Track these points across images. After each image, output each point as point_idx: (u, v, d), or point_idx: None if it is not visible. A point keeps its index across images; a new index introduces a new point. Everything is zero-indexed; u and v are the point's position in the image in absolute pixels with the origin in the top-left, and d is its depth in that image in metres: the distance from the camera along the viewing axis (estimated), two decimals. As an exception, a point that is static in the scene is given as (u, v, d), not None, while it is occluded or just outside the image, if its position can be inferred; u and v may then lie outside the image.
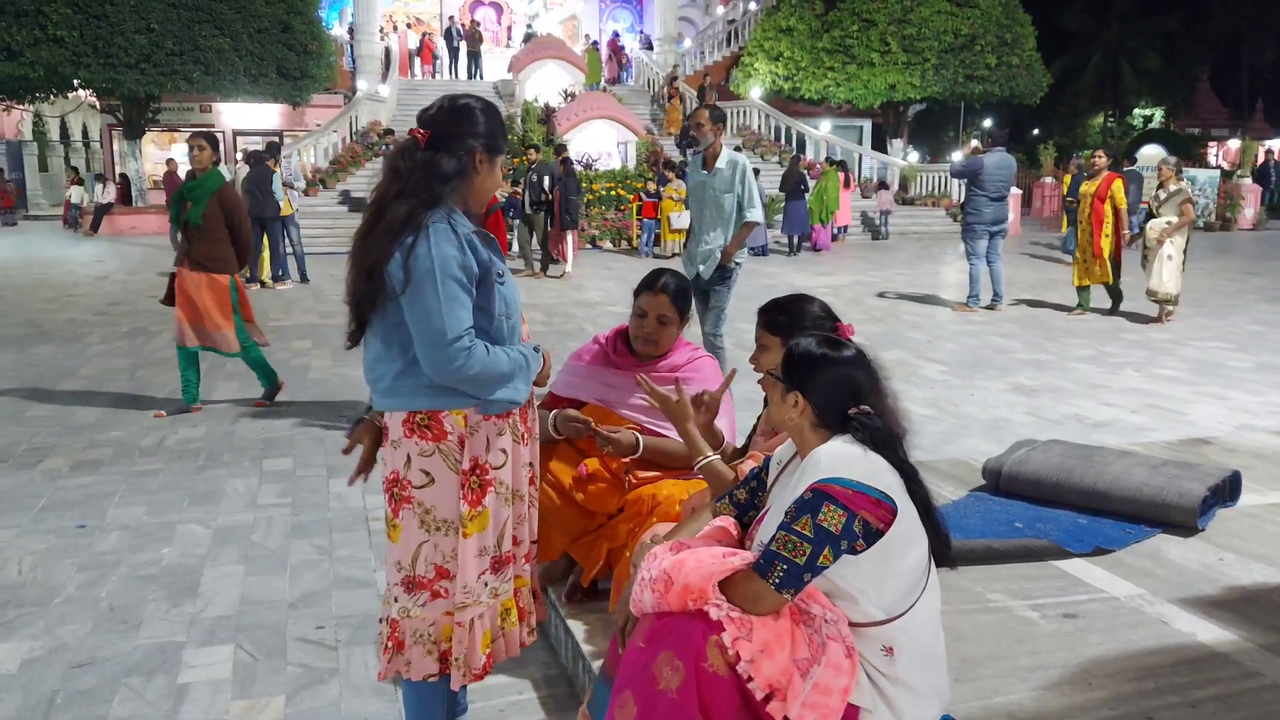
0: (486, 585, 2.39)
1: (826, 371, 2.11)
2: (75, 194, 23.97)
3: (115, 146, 27.51)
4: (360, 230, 2.35)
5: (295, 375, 7.58)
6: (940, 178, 23.30)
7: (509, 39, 33.26)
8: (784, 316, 2.72)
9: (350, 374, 7.61)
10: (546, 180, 14.51)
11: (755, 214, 6.16)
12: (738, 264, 6.28)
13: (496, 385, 2.31)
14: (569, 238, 14.68)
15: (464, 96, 2.43)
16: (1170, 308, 10.01)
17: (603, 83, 27.81)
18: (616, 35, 31.85)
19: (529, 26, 32.21)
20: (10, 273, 14.86)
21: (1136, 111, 43.43)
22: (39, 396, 6.87)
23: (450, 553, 2.35)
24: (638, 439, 3.06)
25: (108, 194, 22.59)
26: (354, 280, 2.31)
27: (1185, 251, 10.04)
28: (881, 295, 12.22)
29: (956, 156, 28.70)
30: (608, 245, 18.58)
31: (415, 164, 2.30)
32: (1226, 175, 24.71)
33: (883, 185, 21.82)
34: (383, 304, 2.27)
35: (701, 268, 6.23)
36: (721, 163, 6.15)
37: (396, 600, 2.39)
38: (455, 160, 2.31)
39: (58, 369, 7.78)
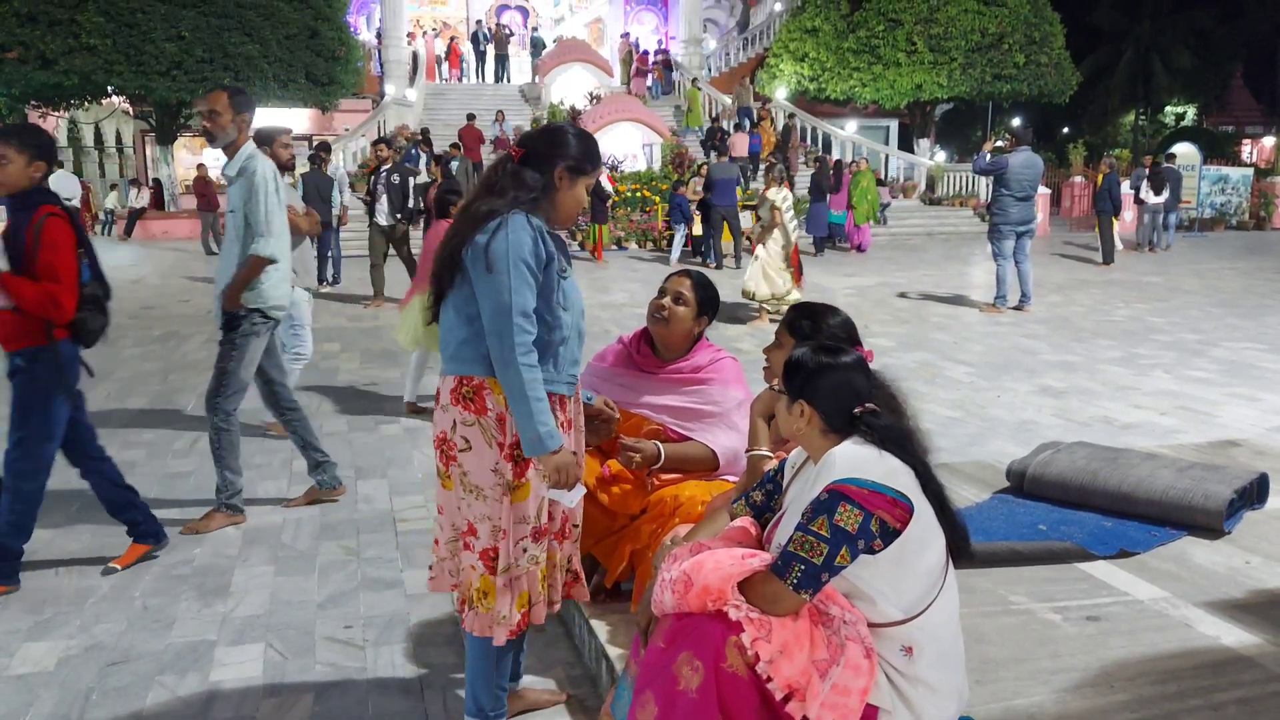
0: (526, 551, 2.56)
1: (827, 377, 2.15)
2: (110, 199, 24.35)
3: (148, 152, 27.89)
4: (450, 230, 2.59)
5: (324, 377, 7.67)
6: (967, 178, 23.14)
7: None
8: (808, 322, 2.73)
9: (377, 375, 7.68)
10: (407, 182, 11.63)
11: (265, 245, 4.36)
12: (250, 311, 4.47)
13: (524, 392, 2.41)
14: None
15: (561, 124, 2.69)
16: (769, 307, 10.34)
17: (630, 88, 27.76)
18: (662, 51, 30.78)
19: (534, 30, 32.25)
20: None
21: (1168, 109, 42.88)
22: (74, 399, 6.99)
23: (479, 515, 2.53)
24: (659, 449, 3.09)
25: (141, 199, 22.90)
26: (438, 263, 2.56)
27: (784, 255, 10.35)
28: (903, 295, 12.17)
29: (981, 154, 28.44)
30: (633, 247, 18.61)
31: (505, 174, 2.55)
32: (1261, 173, 24.39)
33: (880, 182, 21.62)
34: (460, 281, 2.51)
35: (214, 308, 4.61)
36: (232, 169, 4.48)
37: (437, 518, 2.67)
38: (538, 174, 2.54)
39: (93, 371, 7.89)
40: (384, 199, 11.41)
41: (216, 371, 4.50)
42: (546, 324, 2.50)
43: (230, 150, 4.50)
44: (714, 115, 25.21)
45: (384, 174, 11.54)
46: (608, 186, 16.92)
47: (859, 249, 18.22)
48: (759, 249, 10.40)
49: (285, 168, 6.07)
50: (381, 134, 22.55)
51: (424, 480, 5.13)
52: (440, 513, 2.66)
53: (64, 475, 5.09)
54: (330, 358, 8.49)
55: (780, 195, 10.31)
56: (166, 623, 3.54)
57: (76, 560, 4.11)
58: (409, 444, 5.82)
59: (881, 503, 1.98)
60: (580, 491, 2.58)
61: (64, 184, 19.62)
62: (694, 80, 27.02)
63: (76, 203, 20.46)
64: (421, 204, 11.43)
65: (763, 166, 18.35)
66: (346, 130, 23.88)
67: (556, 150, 2.56)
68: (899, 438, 2.09)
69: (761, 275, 10.31)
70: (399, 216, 11.47)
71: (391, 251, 11.74)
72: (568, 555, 2.75)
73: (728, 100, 25.86)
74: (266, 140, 5.97)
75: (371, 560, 4.11)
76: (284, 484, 5.12)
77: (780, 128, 23.70)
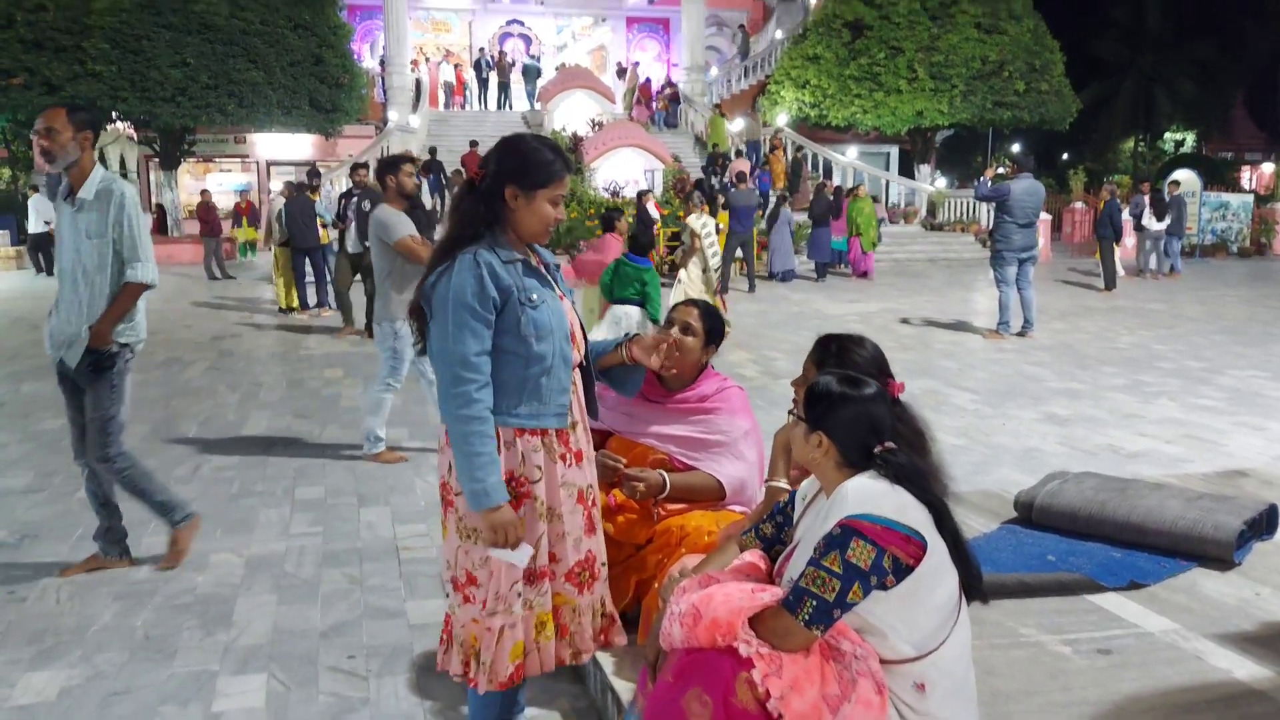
0: (519, 596, 2.46)
1: (846, 409, 2.12)
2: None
3: (152, 177, 28.03)
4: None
5: (326, 404, 7.66)
6: (969, 203, 23.23)
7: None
8: (834, 359, 2.68)
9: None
10: (370, 207, 10.40)
11: (144, 271, 4.09)
12: (122, 347, 4.16)
13: (458, 445, 2.37)
14: None
15: (510, 138, 2.57)
16: None
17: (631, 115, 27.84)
18: (670, 84, 30.62)
19: (531, 57, 32.41)
20: (49, 304, 15.11)
21: (1167, 135, 43.06)
22: (77, 425, 6.98)
23: (479, 560, 2.45)
24: (664, 478, 3.07)
25: (144, 224, 22.97)
26: (412, 310, 2.56)
27: (705, 280, 10.49)
28: (906, 321, 12.17)
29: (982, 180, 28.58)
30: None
31: (456, 206, 2.54)
32: (1261, 200, 24.45)
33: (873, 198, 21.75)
34: (428, 329, 2.49)
35: (66, 353, 4.13)
36: (88, 192, 4.04)
37: (449, 596, 2.56)
38: (484, 203, 2.47)
39: (95, 398, 7.89)
40: (353, 226, 10.93)
41: (98, 421, 4.10)
42: (521, 359, 2.42)
43: (75, 173, 4.05)
44: (713, 142, 25.31)
45: (354, 200, 11.03)
46: (653, 213, 16.97)
47: (864, 275, 18.26)
48: (680, 273, 10.57)
49: (408, 196, 6.03)
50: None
51: (427, 508, 5.11)
52: (450, 583, 2.56)
53: (64, 503, 5.07)
54: (333, 384, 8.48)
55: (700, 221, 10.45)
56: (169, 652, 3.51)
57: (78, 588, 4.09)
58: (411, 471, 5.80)
59: (894, 539, 1.96)
60: (527, 552, 2.42)
61: (43, 208, 19.91)
62: (717, 106, 27.17)
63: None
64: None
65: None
66: (350, 156, 23.99)
67: (502, 169, 2.47)
68: (916, 476, 2.07)
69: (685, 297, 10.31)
70: (367, 245, 11.06)
71: (358, 279, 11.12)
72: (599, 597, 2.66)
73: (732, 128, 25.97)
74: (391, 169, 5.99)
75: (374, 589, 4.09)
76: (286, 511, 5.09)
77: (790, 159, 23.81)
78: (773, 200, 18.53)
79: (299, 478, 5.70)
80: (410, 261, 5.81)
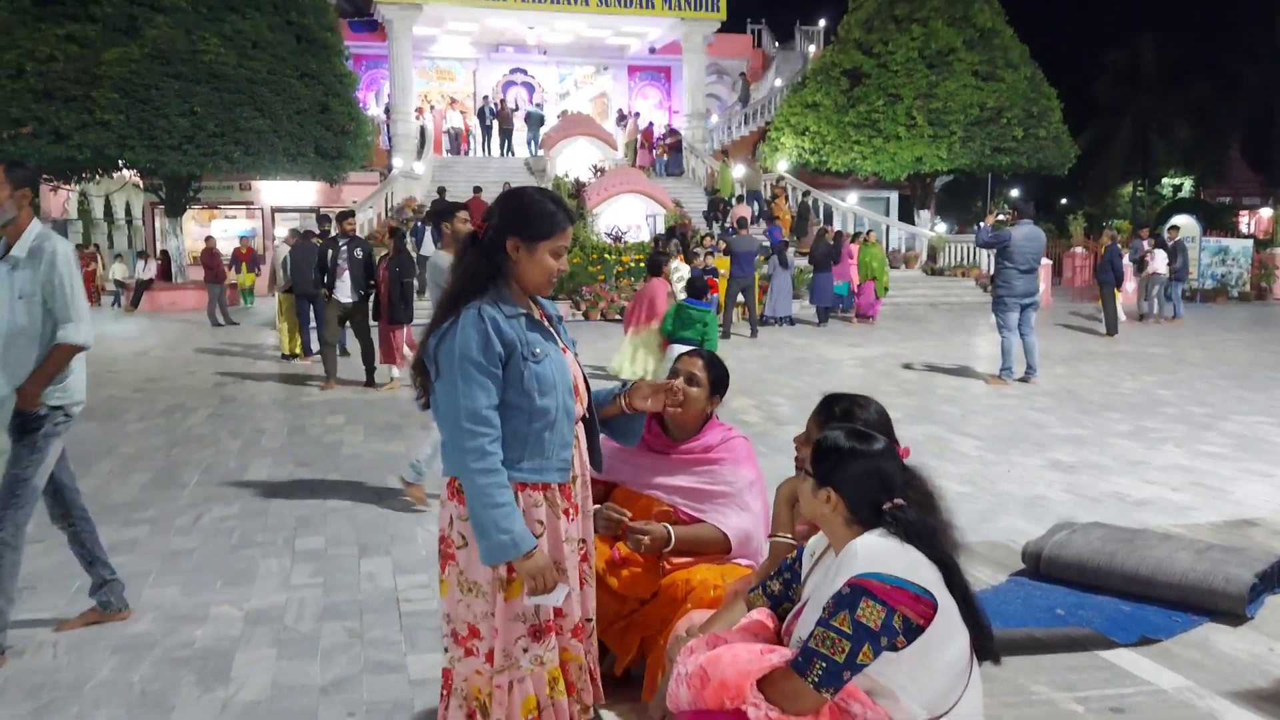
0: (526, 651, 2.45)
1: (855, 464, 2.10)
2: (118, 270, 24.59)
3: (157, 224, 28.23)
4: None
5: (328, 452, 7.62)
6: (968, 248, 23.33)
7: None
8: (839, 421, 2.64)
9: (382, 449, 7.64)
10: (371, 257, 10.86)
11: (75, 331, 3.92)
12: (52, 409, 4.00)
13: (479, 499, 2.36)
14: (404, 335, 10.57)
15: (512, 191, 2.60)
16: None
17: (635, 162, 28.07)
18: (674, 132, 30.78)
19: (536, 105, 32.78)
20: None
21: (1165, 181, 43.36)
22: (77, 474, 6.92)
23: (481, 614, 2.45)
24: (669, 531, 3.04)
25: (149, 270, 23.11)
26: (414, 368, 2.57)
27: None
28: (908, 366, 12.16)
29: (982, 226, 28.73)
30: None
31: (460, 261, 2.54)
32: (1260, 245, 24.54)
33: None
34: (432, 384, 2.48)
35: None
36: (21, 250, 3.90)
37: (447, 650, 2.54)
38: (485, 258, 2.49)
39: (97, 446, 7.87)
40: (345, 275, 10.66)
41: (10, 479, 3.90)
42: (524, 413, 2.43)
43: (13, 230, 3.93)
44: (715, 188, 25.51)
45: (344, 248, 10.74)
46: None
47: (866, 319, 18.30)
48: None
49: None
50: (389, 206, 22.89)
51: (428, 558, 5.06)
52: (441, 615, 2.55)
53: (63, 554, 5.03)
54: (334, 431, 8.46)
55: (670, 265, 10.42)
56: (166, 709, 3.46)
57: (76, 642, 4.04)
58: (413, 520, 5.76)
59: (904, 599, 1.93)
60: (564, 590, 2.44)
61: None
62: (723, 153, 27.40)
63: None
64: (374, 280, 10.68)
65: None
66: (354, 202, 24.16)
67: (504, 222, 2.49)
68: (926, 534, 2.05)
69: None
70: (362, 294, 10.76)
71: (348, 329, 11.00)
72: (584, 653, 2.65)
73: (735, 174, 26.18)
74: (445, 216, 6.09)
75: (375, 642, 4.04)
76: (287, 562, 5.05)
77: (796, 206, 23.97)
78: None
79: (300, 527, 5.66)
80: None
